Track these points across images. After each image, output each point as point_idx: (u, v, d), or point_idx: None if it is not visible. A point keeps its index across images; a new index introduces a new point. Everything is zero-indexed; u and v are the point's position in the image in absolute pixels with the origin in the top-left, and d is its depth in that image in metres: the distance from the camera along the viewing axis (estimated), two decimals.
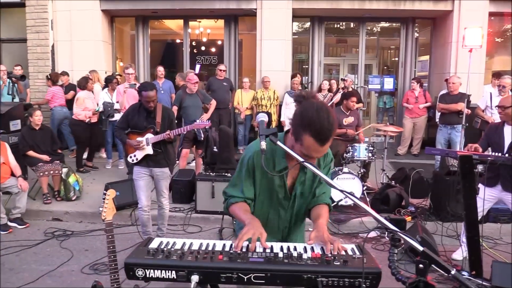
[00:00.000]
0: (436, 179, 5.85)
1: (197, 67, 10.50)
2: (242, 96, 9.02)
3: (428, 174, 6.58)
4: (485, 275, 3.90)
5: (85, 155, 7.94)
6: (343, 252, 1.84)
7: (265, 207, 2.20)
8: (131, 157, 4.55)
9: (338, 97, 7.77)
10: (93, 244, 4.92)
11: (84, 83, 7.70)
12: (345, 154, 6.17)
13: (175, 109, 6.63)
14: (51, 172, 6.00)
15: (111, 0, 9.62)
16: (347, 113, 6.64)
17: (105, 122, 7.74)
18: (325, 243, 1.88)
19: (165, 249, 1.81)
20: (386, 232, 4.98)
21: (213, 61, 10.94)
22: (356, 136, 6.62)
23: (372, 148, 6.20)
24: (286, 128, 2.90)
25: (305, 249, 1.87)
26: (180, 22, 10.81)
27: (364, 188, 6.03)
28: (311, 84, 10.39)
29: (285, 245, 1.92)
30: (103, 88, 8.12)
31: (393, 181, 6.44)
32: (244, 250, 1.83)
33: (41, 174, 5.93)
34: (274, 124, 8.74)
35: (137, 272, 1.72)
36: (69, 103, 8.87)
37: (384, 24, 11.72)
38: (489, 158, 3.80)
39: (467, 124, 6.83)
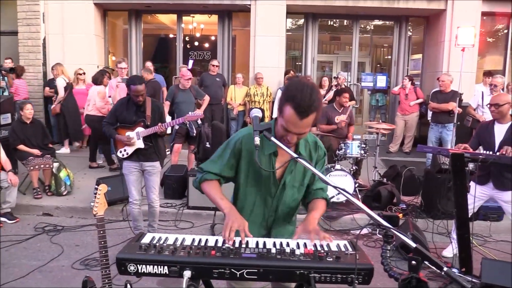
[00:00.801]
0: (427, 177, 5.89)
1: (190, 62, 10.45)
2: (235, 92, 9.00)
3: (419, 172, 6.62)
4: (474, 272, 3.94)
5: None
6: (329, 242, 1.85)
7: (252, 193, 2.18)
8: (121, 151, 4.50)
9: (330, 94, 7.79)
10: (84, 239, 4.89)
11: (100, 78, 7.65)
12: (337, 151, 6.18)
13: (167, 104, 6.60)
14: (42, 166, 5.94)
15: None
16: (340, 111, 6.66)
17: None
18: (309, 234, 1.88)
19: (157, 244, 1.80)
20: (378, 229, 4.98)
21: (206, 57, 10.90)
22: (344, 129, 6.65)
23: (364, 146, 6.22)
24: None
25: (297, 245, 1.87)
26: (174, 16, 10.75)
27: (356, 185, 6.06)
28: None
29: (277, 241, 1.92)
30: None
31: (384, 179, 6.47)
32: (236, 245, 1.82)
33: (32, 168, 5.87)
34: (267, 120, 8.74)
35: (129, 268, 1.70)
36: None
37: (377, 22, 11.75)
38: (480, 156, 3.84)
39: (458, 123, 6.88)
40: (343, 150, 6.16)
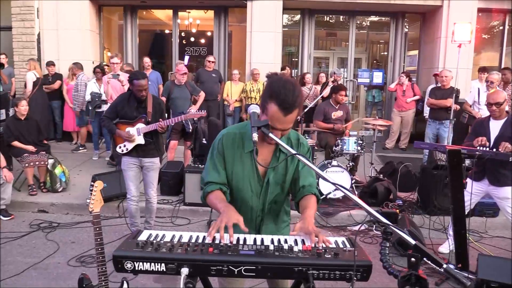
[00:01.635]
0: (423, 173, 5.90)
1: (186, 58, 10.41)
2: (231, 88, 8.97)
3: (415, 168, 6.64)
4: (470, 268, 3.96)
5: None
6: (329, 245, 1.82)
7: (238, 192, 2.17)
8: (120, 147, 4.47)
9: (327, 91, 7.78)
10: (80, 236, 4.87)
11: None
12: (334, 147, 6.18)
13: (163, 100, 6.56)
14: (37, 163, 5.90)
15: None
16: (336, 107, 6.66)
17: (91, 112, 7.66)
18: (309, 235, 1.86)
19: (154, 241, 1.79)
20: (375, 225, 5.00)
21: (202, 53, 10.85)
22: (344, 129, 6.64)
23: (361, 142, 6.23)
24: None
25: (295, 242, 1.86)
26: (169, 12, 10.69)
27: (352, 182, 6.06)
28: (299, 76, 10.37)
29: (275, 237, 1.90)
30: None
31: (381, 175, 6.48)
32: (234, 242, 1.81)
33: (27, 165, 5.83)
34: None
35: (126, 265, 1.69)
36: (55, 93, 8.77)
37: (374, 18, 11.74)
38: (476, 152, 3.84)
39: (454, 119, 6.89)
40: (340, 146, 6.16)
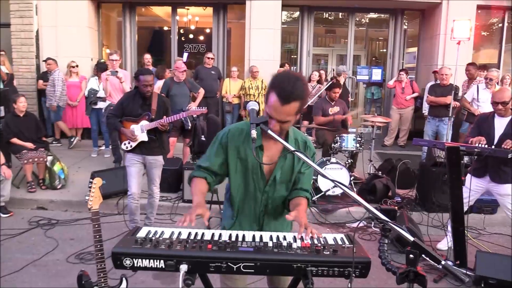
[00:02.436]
0: (422, 170, 5.91)
1: (185, 55, 10.38)
2: (230, 85, 8.96)
3: (414, 165, 6.64)
4: (469, 264, 3.97)
5: None
6: (317, 237, 1.84)
7: (241, 188, 2.18)
8: (125, 144, 4.50)
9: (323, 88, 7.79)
10: (79, 233, 4.87)
11: (162, 72, 7.61)
12: (333, 144, 6.19)
13: None
14: (36, 159, 5.90)
15: None
16: (332, 103, 6.68)
17: (88, 108, 7.66)
18: (299, 225, 1.87)
19: (153, 238, 1.79)
20: (373, 222, 5.00)
21: (201, 49, 10.83)
22: (346, 123, 6.67)
23: (359, 139, 6.23)
24: None
25: (294, 238, 1.86)
26: (168, 9, 10.65)
27: (351, 178, 6.07)
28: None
29: (274, 234, 1.91)
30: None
31: (380, 172, 6.49)
32: (233, 239, 1.81)
33: (25, 161, 5.83)
34: (261, 113, 8.70)
35: (125, 262, 1.69)
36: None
37: (373, 15, 11.72)
38: (475, 149, 3.84)
39: (453, 116, 6.89)
40: (339, 143, 6.16)
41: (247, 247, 1.74)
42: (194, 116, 6.24)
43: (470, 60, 9.10)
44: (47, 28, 9.27)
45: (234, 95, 8.95)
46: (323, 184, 5.76)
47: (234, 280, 2.23)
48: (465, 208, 4.02)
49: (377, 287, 3.78)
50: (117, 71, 6.37)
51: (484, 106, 6.62)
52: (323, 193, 5.76)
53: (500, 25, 10.30)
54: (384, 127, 9.06)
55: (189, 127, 6.37)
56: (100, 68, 7.94)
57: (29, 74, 9.25)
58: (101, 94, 7.71)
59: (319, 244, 1.78)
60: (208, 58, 8.72)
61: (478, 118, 4.38)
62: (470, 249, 4.20)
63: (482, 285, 3.71)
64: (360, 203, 1.66)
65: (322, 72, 9.41)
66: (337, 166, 5.92)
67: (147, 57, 8.53)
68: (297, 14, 10.68)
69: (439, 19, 9.25)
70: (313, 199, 5.69)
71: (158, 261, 1.68)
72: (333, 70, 9.08)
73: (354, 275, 1.66)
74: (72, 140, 8.54)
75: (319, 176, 5.71)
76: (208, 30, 11.02)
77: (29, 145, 5.93)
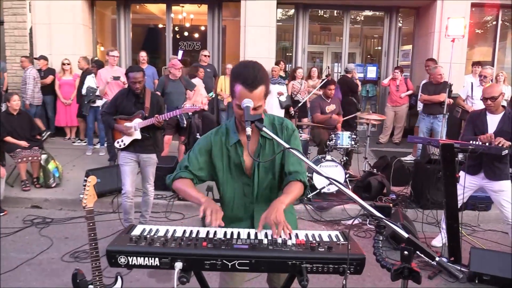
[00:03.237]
0: (417, 167, 5.93)
1: (180, 53, 10.36)
2: (225, 82, 8.94)
3: (409, 162, 6.67)
4: (463, 261, 4.00)
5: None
6: (288, 232, 1.80)
7: (231, 186, 2.19)
8: (118, 142, 4.48)
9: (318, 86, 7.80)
10: (74, 231, 4.85)
11: (195, 72, 7.59)
12: (328, 142, 6.20)
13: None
14: (30, 158, 5.87)
15: None
16: (328, 101, 6.69)
17: (86, 107, 7.63)
18: (270, 225, 1.82)
19: (148, 236, 1.79)
20: (368, 219, 5.01)
21: (196, 47, 10.81)
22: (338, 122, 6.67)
23: (355, 136, 6.24)
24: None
25: (289, 235, 1.86)
26: (163, 6, 10.61)
27: (346, 176, 6.08)
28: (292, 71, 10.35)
29: (269, 231, 1.90)
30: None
31: (375, 169, 6.51)
32: (228, 236, 1.81)
33: (19, 160, 5.79)
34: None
35: (119, 260, 1.69)
36: (48, 88, 8.69)
37: (368, 13, 11.74)
38: (469, 147, 3.86)
39: (448, 114, 6.91)
40: (334, 141, 6.17)
41: (242, 244, 1.74)
42: (190, 113, 6.23)
43: (464, 57, 9.16)
44: (41, 26, 9.21)
45: (230, 95, 8.92)
46: (318, 182, 5.77)
47: (233, 275, 2.23)
48: (459, 205, 4.04)
49: (372, 285, 3.80)
50: (119, 76, 6.34)
51: (478, 103, 6.66)
52: (318, 190, 5.77)
53: (494, 22, 10.34)
54: (379, 124, 9.10)
55: (185, 125, 6.36)
56: (98, 65, 7.91)
57: (22, 72, 9.18)
58: (98, 92, 7.66)
59: (314, 241, 1.79)
60: (204, 56, 8.70)
61: (470, 115, 4.39)
62: (465, 245, 4.22)
63: (476, 281, 3.75)
64: (355, 200, 1.67)
65: (315, 69, 9.42)
66: (332, 163, 5.94)
67: (143, 55, 8.50)
68: (292, 11, 10.68)
69: (433, 16, 9.27)
70: (308, 196, 5.70)
71: (152, 259, 1.68)
72: (328, 68, 9.08)
73: (348, 271, 1.66)
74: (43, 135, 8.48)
75: (314, 173, 5.73)
76: (203, 28, 10.99)
77: (23, 143, 5.89)
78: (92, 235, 2.72)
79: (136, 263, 1.68)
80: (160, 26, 11.33)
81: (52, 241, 4.55)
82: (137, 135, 4.41)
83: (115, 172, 5.53)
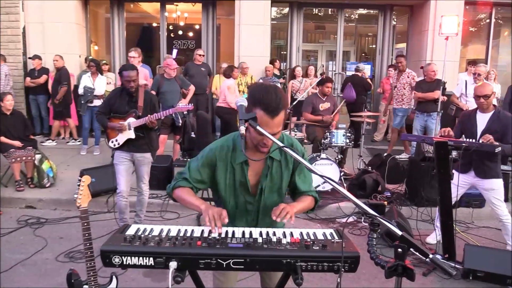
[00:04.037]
0: (411, 165, 5.96)
1: (174, 51, 10.32)
2: (220, 81, 8.92)
3: (403, 160, 6.69)
4: (457, 258, 4.02)
5: None
6: (290, 215, 1.87)
7: (232, 201, 2.17)
8: (112, 141, 4.46)
9: (313, 84, 7.82)
10: (68, 231, 4.83)
11: (230, 72, 7.61)
12: (322, 140, 6.20)
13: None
14: (24, 158, 5.83)
15: None
16: (324, 99, 6.69)
17: (83, 107, 7.60)
18: (275, 210, 1.90)
19: (142, 235, 1.78)
20: (363, 217, 5.04)
21: (191, 46, 10.79)
22: (332, 120, 6.67)
23: (349, 135, 6.25)
24: None
25: (284, 234, 1.87)
26: (157, 5, 10.59)
27: (341, 174, 6.09)
28: (289, 70, 10.36)
29: (264, 230, 1.91)
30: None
31: (369, 167, 6.53)
32: (223, 235, 1.81)
33: (13, 160, 5.76)
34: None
35: (114, 260, 1.68)
36: (41, 88, 8.65)
37: (362, 11, 11.76)
38: (463, 144, 3.88)
39: (442, 111, 6.94)
40: (328, 139, 6.18)
41: (237, 243, 1.74)
42: (185, 112, 6.21)
43: (458, 55, 9.20)
44: (34, 25, 9.15)
45: None
46: (314, 180, 5.76)
47: (227, 274, 2.23)
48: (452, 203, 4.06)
49: (367, 282, 3.81)
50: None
51: (472, 101, 6.66)
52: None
53: (488, 20, 10.40)
54: (374, 122, 9.12)
55: (180, 124, 6.34)
56: (96, 64, 7.87)
57: (16, 71, 9.14)
58: (96, 92, 7.65)
59: (309, 239, 1.79)
60: (199, 55, 8.68)
61: (461, 115, 4.45)
62: (459, 242, 4.24)
63: (470, 278, 3.77)
64: (349, 198, 1.67)
65: (311, 68, 9.43)
66: (327, 161, 5.95)
67: (131, 54, 8.46)
68: (286, 10, 10.68)
69: (427, 15, 9.31)
70: None
71: (147, 258, 1.67)
72: (323, 66, 9.10)
73: (343, 269, 1.67)
74: None
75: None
76: (197, 27, 10.97)
77: (17, 143, 5.86)
78: (87, 235, 2.71)
79: (130, 263, 1.68)
80: (154, 24, 11.30)
81: (46, 241, 4.52)
82: (131, 135, 4.39)
83: (109, 171, 5.51)
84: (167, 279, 1.63)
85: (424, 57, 9.30)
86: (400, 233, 1.51)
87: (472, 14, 10.53)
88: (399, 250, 1.49)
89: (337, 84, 10.52)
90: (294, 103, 7.50)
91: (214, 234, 1.81)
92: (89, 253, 2.72)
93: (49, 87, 8.67)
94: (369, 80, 9.23)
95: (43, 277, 3.79)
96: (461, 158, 4.10)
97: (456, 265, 3.90)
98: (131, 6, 11.03)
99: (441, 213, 4.02)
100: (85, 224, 2.71)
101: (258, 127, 1.87)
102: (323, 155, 5.99)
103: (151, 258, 1.67)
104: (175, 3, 11.03)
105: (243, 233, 1.86)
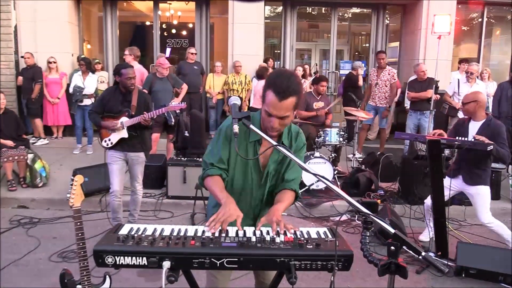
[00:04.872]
0: (404, 163, 5.99)
1: (168, 50, 10.30)
2: (213, 80, 8.92)
3: (397, 158, 6.73)
4: (450, 255, 4.05)
5: None
6: (291, 230, 1.86)
7: (239, 181, 2.19)
8: (105, 141, 4.44)
9: (307, 83, 7.83)
10: (61, 231, 4.80)
11: (264, 72, 7.71)
12: (316, 139, 6.22)
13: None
14: (16, 158, 5.79)
15: None
16: (318, 98, 6.70)
17: (74, 106, 7.56)
18: (272, 225, 1.88)
19: (135, 235, 1.77)
20: (357, 216, 5.05)
21: (184, 45, 10.76)
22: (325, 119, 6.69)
23: (343, 133, 6.27)
24: None
25: (277, 233, 1.87)
26: (150, 3, 10.53)
27: (335, 172, 6.11)
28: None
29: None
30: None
31: (363, 166, 6.55)
32: (216, 234, 1.81)
33: (5, 160, 5.71)
34: (245, 109, 8.69)
35: (107, 260, 1.67)
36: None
37: (355, 10, 11.79)
38: (456, 142, 3.91)
39: (435, 110, 6.98)
40: (322, 137, 6.20)
41: (230, 242, 1.74)
42: (178, 111, 6.20)
43: (451, 54, 9.24)
44: (26, 23, 9.06)
45: (218, 92, 8.91)
46: (307, 178, 5.78)
47: (221, 272, 2.24)
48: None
49: (361, 280, 3.82)
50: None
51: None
52: (307, 187, 5.79)
53: (480, 20, 10.46)
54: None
55: (173, 123, 6.32)
56: (86, 63, 7.84)
57: (8, 70, 9.05)
58: (86, 91, 7.62)
59: (302, 238, 1.80)
60: (191, 53, 8.66)
61: (455, 123, 4.56)
62: (451, 240, 4.28)
63: (463, 275, 3.80)
64: (342, 197, 1.68)
65: (306, 66, 9.43)
66: (321, 160, 5.96)
67: (127, 53, 8.43)
68: (280, 8, 10.68)
69: (420, 13, 9.35)
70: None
71: (140, 258, 1.67)
72: (316, 65, 9.11)
73: (337, 268, 1.67)
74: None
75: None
76: (190, 25, 10.94)
77: (9, 143, 5.81)
78: (80, 234, 2.70)
79: (123, 263, 1.67)
80: (148, 23, 11.26)
81: (39, 241, 4.50)
82: (124, 134, 4.38)
83: (103, 171, 5.48)
84: (161, 278, 1.63)
85: (417, 56, 9.33)
86: (393, 231, 1.52)
87: (464, 13, 10.59)
88: (392, 248, 1.50)
89: (330, 83, 10.53)
90: None
91: (208, 233, 1.81)
92: (82, 253, 2.71)
93: (43, 86, 8.60)
94: (360, 78, 9.21)
95: (36, 277, 3.77)
96: (453, 165, 4.18)
97: (449, 263, 3.93)
98: (124, 4, 10.97)
99: (434, 211, 4.05)
100: (78, 223, 2.69)
101: (251, 126, 1.89)
102: (316, 154, 6.01)
103: (145, 258, 1.67)
104: (168, 2, 10.99)
105: (237, 232, 1.86)
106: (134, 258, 1.66)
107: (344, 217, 5.31)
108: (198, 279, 2.07)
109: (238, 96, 8.35)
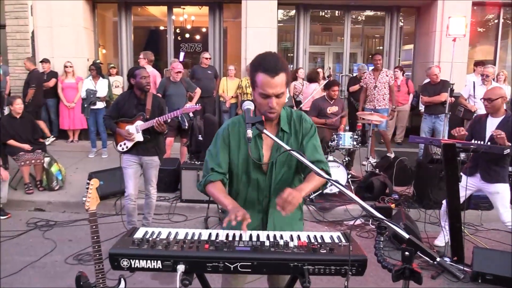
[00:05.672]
0: (419, 167, 5.93)
1: (182, 54, 10.39)
2: (227, 84, 8.95)
3: (411, 162, 6.66)
4: (466, 260, 3.99)
5: None
6: (292, 199, 1.83)
7: (245, 178, 2.18)
8: (120, 145, 4.49)
9: (319, 87, 7.80)
10: (77, 234, 4.87)
11: (315, 76, 7.89)
12: (330, 143, 6.19)
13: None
14: (33, 161, 5.88)
15: None
16: (331, 102, 6.67)
17: (87, 109, 7.66)
18: (279, 199, 1.86)
19: (150, 239, 1.79)
20: (371, 220, 5.02)
21: (198, 49, 10.83)
22: (340, 124, 6.66)
23: (356, 137, 6.24)
24: None
25: (291, 237, 1.87)
26: (164, 8, 10.65)
27: (348, 176, 6.07)
28: (291, 71, 10.34)
29: (271, 233, 1.92)
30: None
31: (377, 169, 6.50)
32: (230, 239, 1.82)
33: (22, 163, 5.82)
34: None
35: (122, 263, 1.69)
36: (50, 91, 8.72)
37: (369, 13, 11.74)
38: (471, 146, 3.86)
39: (450, 113, 6.91)
40: (336, 141, 6.17)
41: (244, 246, 1.75)
42: (191, 115, 6.24)
43: (466, 56, 9.13)
44: (43, 29, 9.23)
45: (232, 96, 8.94)
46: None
47: (236, 276, 2.24)
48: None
49: (375, 285, 3.79)
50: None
51: (480, 102, 6.64)
52: (320, 191, 5.77)
53: (496, 21, 10.33)
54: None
55: (186, 127, 6.36)
56: (96, 67, 7.94)
57: (25, 75, 9.20)
58: (99, 94, 7.72)
59: (316, 243, 1.79)
60: (205, 58, 8.70)
61: (472, 120, 4.44)
62: (468, 245, 4.22)
63: (479, 281, 3.74)
64: (355, 201, 1.67)
65: (320, 70, 9.40)
66: (334, 164, 5.94)
67: (141, 56, 8.52)
68: (293, 12, 10.68)
69: (434, 16, 9.26)
70: (310, 197, 5.70)
71: (155, 261, 1.68)
72: (329, 68, 9.07)
73: (350, 273, 1.67)
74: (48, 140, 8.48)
75: None
76: (204, 30, 11.01)
77: (26, 146, 5.92)
78: (95, 237, 2.73)
79: (138, 266, 1.69)
80: (161, 28, 11.36)
81: (55, 243, 4.57)
82: (139, 138, 4.42)
83: (118, 174, 5.55)
84: (175, 282, 1.64)
85: (431, 58, 9.24)
86: (407, 236, 1.51)
87: (480, 14, 10.46)
88: (406, 253, 1.49)
89: (344, 86, 10.49)
90: (300, 106, 7.49)
91: (222, 238, 1.81)
92: (97, 255, 2.74)
93: (59, 90, 8.71)
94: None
95: (52, 279, 3.83)
96: (469, 162, 4.09)
97: (465, 268, 3.88)
98: (138, 9, 11.10)
99: (449, 215, 4.00)
100: (94, 227, 2.73)
101: (265, 131, 1.89)
102: (330, 158, 5.99)
103: (159, 261, 1.68)
104: (182, 7, 11.08)
105: (250, 236, 1.87)
106: (149, 261, 1.68)
107: (358, 222, 5.28)
108: (212, 283, 2.08)
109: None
